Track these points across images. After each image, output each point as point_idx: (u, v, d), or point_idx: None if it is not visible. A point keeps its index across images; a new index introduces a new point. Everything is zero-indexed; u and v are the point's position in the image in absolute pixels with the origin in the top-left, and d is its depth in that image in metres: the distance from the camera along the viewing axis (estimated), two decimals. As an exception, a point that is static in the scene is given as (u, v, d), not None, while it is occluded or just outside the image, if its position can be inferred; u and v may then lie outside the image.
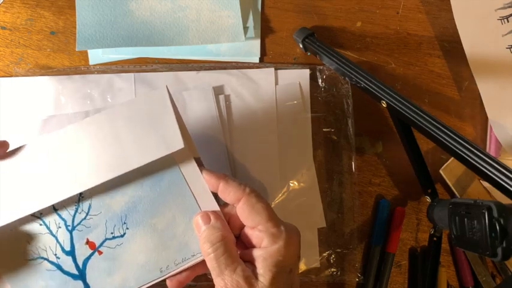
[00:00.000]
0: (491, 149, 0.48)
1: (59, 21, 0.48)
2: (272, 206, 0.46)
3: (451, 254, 0.48)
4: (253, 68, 0.48)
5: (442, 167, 0.47)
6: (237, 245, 0.35)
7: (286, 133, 0.47)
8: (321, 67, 0.49)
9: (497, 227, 0.31)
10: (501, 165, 0.33)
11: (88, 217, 0.35)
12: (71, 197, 0.33)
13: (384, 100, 0.40)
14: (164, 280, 0.35)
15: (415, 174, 0.43)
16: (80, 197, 0.34)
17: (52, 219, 0.34)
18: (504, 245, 0.30)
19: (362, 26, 0.50)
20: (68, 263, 0.34)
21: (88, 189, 0.33)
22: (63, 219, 0.35)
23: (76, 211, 0.35)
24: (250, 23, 0.48)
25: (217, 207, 0.35)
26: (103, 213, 0.35)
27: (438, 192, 0.44)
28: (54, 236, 0.34)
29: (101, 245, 0.35)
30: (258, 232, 0.33)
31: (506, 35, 0.48)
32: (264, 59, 0.49)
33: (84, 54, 0.48)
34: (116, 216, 0.35)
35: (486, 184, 0.47)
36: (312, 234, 0.47)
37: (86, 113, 0.45)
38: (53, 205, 0.34)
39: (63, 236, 0.34)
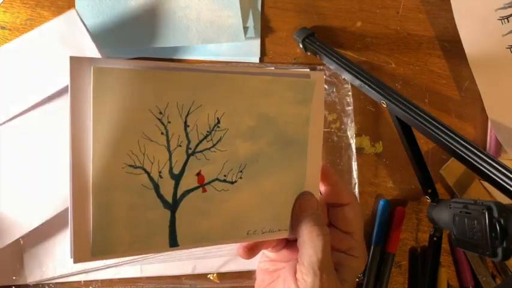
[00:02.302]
0: (491, 149, 0.48)
1: (59, 21, 0.48)
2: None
3: (451, 254, 0.48)
4: (253, 68, 0.48)
5: (442, 167, 0.47)
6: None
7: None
8: (321, 67, 0.48)
9: (498, 227, 0.30)
10: (501, 165, 0.33)
11: (213, 149, 0.31)
12: (208, 120, 0.30)
13: (384, 100, 0.40)
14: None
15: (415, 174, 0.43)
16: (216, 125, 0.31)
17: (176, 134, 0.30)
18: (504, 245, 0.30)
19: (362, 26, 0.50)
20: (167, 187, 0.30)
21: (228, 118, 0.31)
22: (188, 139, 0.30)
23: (205, 137, 0.31)
24: (250, 22, 0.48)
25: (318, 197, 0.34)
26: (228, 152, 0.31)
27: (438, 192, 0.43)
28: (169, 151, 0.30)
29: (209, 183, 0.31)
30: (349, 238, 0.34)
31: (506, 35, 0.48)
32: (264, 59, 0.49)
33: (84, 54, 0.48)
34: (237, 161, 0.32)
35: (486, 184, 0.47)
36: (312, 234, 0.46)
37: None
38: (185, 120, 0.30)
39: (179, 156, 0.30)
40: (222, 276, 0.45)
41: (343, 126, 0.48)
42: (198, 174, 0.31)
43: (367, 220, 0.48)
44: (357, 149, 0.48)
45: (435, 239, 0.43)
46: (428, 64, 0.51)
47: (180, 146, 0.30)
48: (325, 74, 0.48)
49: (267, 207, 0.33)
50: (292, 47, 0.49)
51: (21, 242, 0.43)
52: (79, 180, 0.27)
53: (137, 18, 0.47)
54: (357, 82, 0.43)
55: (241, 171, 0.32)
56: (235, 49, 0.48)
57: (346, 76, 0.45)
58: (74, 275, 0.43)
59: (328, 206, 0.36)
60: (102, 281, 0.44)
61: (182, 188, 0.30)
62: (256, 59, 0.49)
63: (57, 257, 0.44)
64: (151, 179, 0.29)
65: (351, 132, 0.48)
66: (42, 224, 0.40)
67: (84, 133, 0.27)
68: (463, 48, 0.48)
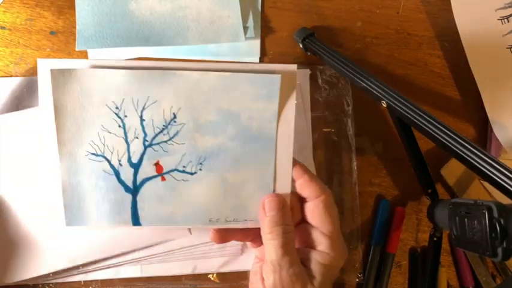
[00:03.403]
0: (491, 149, 0.48)
1: (59, 21, 0.48)
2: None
3: (451, 254, 0.48)
4: (253, 68, 0.48)
5: (442, 167, 0.47)
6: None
7: (286, 133, 0.47)
8: (321, 67, 0.48)
9: (498, 227, 0.30)
10: (501, 165, 0.33)
11: (170, 142, 0.34)
12: (164, 115, 0.33)
13: (384, 100, 0.40)
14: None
15: (415, 174, 0.43)
16: (173, 120, 0.34)
17: (133, 127, 0.33)
18: (504, 245, 0.30)
19: (362, 26, 0.50)
20: (127, 174, 0.34)
21: (184, 113, 0.33)
22: (144, 132, 0.33)
23: (161, 131, 0.34)
24: (250, 23, 0.48)
25: (289, 192, 0.35)
26: (186, 145, 0.34)
27: (438, 192, 0.43)
28: (127, 143, 0.33)
29: (168, 172, 0.34)
30: (318, 233, 0.34)
31: (506, 35, 0.48)
32: (264, 59, 0.49)
33: (84, 54, 0.48)
34: (196, 153, 0.34)
35: (486, 184, 0.47)
36: (312, 234, 0.47)
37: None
38: (140, 115, 0.33)
39: (136, 147, 0.34)
40: (222, 276, 0.45)
41: (343, 126, 0.48)
42: (156, 164, 0.34)
43: (367, 220, 0.48)
44: (357, 149, 0.48)
45: (435, 239, 0.43)
46: (428, 64, 0.51)
47: (137, 138, 0.33)
48: (325, 74, 0.48)
49: (230, 199, 0.35)
50: (292, 47, 0.49)
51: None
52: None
53: (137, 18, 0.47)
54: (357, 82, 0.43)
55: (201, 164, 0.34)
56: (235, 49, 0.48)
57: (346, 76, 0.45)
58: (73, 275, 0.43)
59: (301, 200, 0.36)
60: (102, 281, 0.44)
61: (141, 175, 0.34)
62: (256, 59, 0.49)
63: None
64: (112, 166, 0.33)
65: (350, 132, 0.48)
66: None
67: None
68: (463, 49, 0.48)
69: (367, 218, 0.49)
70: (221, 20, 0.48)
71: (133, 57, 0.48)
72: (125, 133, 0.33)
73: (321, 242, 0.33)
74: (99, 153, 0.33)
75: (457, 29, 0.48)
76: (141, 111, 0.33)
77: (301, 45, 0.48)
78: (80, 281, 0.44)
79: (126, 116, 0.33)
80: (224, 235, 0.36)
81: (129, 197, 0.34)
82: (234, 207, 0.35)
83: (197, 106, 0.33)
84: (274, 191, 0.35)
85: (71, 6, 0.48)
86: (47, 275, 0.43)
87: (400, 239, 0.48)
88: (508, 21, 0.48)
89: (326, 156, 0.48)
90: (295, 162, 0.35)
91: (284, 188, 0.35)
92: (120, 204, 0.34)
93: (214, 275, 0.45)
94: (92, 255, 0.43)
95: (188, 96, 0.33)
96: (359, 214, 0.48)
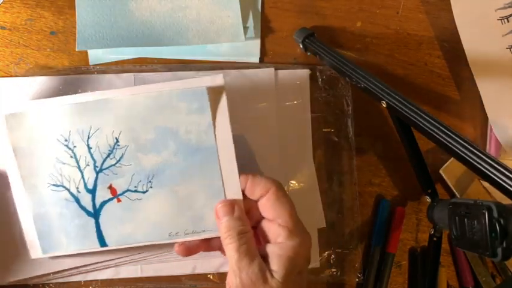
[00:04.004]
0: (491, 149, 0.48)
1: (59, 21, 0.48)
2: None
3: (451, 254, 0.48)
4: (253, 68, 0.48)
5: (442, 167, 0.47)
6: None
7: (286, 133, 0.47)
8: (321, 67, 0.48)
9: (497, 227, 0.30)
10: (501, 165, 0.33)
11: (118, 165, 0.36)
12: (107, 140, 0.35)
13: (384, 100, 0.40)
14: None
15: (415, 174, 0.43)
16: (116, 144, 0.36)
17: (83, 156, 0.36)
18: (504, 245, 0.30)
19: (362, 26, 0.50)
20: (86, 200, 0.36)
21: (126, 136, 0.35)
22: (93, 159, 0.36)
23: (108, 156, 0.36)
24: (250, 23, 0.48)
25: (240, 197, 0.36)
26: (133, 166, 0.36)
27: (438, 192, 0.44)
28: (80, 171, 0.36)
29: (122, 194, 0.36)
30: (276, 226, 0.34)
31: (506, 35, 0.48)
32: (264, 59, 0.49)
33: (84, 54, 0.48)
34: (144, 172, 0.36)
35: (486, 184, 0.47)
36: (312, 234, 0.46)
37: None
38: (87, 143, 0.36)
39: (89, 174, 0.36)
40: (222, 276, 0.45)
41: (343, 126, 0.48)
42: (110, 187, 0.36)
43: (367, 220, 0.48)
44: (356, 149, 0.48)
45: (435, 239, 0.43)
46: (428, 64, 0.51)
47: (88, 165, 0.36)
48: (325, 74, 0.48)
49: (185, 211, 0.36)
50: (292, 47, 0.49)
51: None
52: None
53: (137, 18, 0.47)
54: (357, 82, 0.43)
55: (150, 181, 0.36)
56: (235, 49, 0.48)
57: (346, 76, 0.45)
58: (74, 275, 0.43)
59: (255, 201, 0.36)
60: (102, 281, 0.44)
61: (99, 199, 0.36)
62: (256, 59, 0.49)
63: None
64: (71, 194, 0.36)
65: (350, 132, 0.48)
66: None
67: None
68: (463, 48, 0.48)
69: (367, 218, 0.49)
70: (221, 20, 0.48)
71: (133, 57, 0.48)
72: (77, 162, 0.36)
73: (279, 234, 0.34)
74: (58, 183, 0.36)
75: (456, 29, 0.48)
76: (87, 140, 0.36)
77: (301, 45, 0.48)
78: (80, 281, 0.44)
79: (75, 147, 0.36)
80: (188, 247, 0.37)
81: (92, 220, 0.36)
82: (191, 219, 0.36)
83: (135, 128, 0.36)
84: (225, 197, 0.36)
85: (71, 6, 0.48)
86: (47, 275, 0.43)
87: (400, 239, 0.48)
88: (508, 21, 0.48)
89: (326, 156, 0.48)
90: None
91: (235, 193, 0.36)
92: (86, 229, 0.36)
93: (214, 274, 0.45)
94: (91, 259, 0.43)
95: (126, 120, 0.35)
96: (359, 214, 0.48)
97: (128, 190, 0.36)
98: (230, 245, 0.33)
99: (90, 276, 0.44)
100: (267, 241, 0.35)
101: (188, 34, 0.47)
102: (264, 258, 0.34)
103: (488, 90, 0.48)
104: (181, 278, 0.45)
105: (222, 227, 0.35)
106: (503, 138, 0.47)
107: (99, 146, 0.36)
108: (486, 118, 0.48)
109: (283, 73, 0.48)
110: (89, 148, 0.36)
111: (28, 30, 0.48)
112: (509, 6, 0.48)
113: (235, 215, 0.35)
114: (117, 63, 0.48)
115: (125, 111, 0.35)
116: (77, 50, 0.47)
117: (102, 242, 0.37)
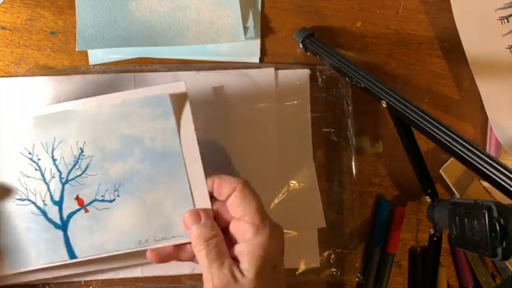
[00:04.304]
0: (491, 149, 0.48)
1: (59, 21, 0.48)
2: (272, 206, 0.46)
3: (451, 254, 0.48)
4: (253, 68, 0.48)
5: (442, 167, 0.47)
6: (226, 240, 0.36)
7: (286, 133, 0.47)
8: (321, 67, 0.48)
9: (497, 227, 0.30)
10: (501, 165, 0.33)
11: (84, 175, 0.36)
12: (72, 151, 0.35)
13: (384, 100, 0.40)
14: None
15: (415, 174, 0.43)
16: (81, 154, 0.36)
17: (48, 168, 0.36)
18: (504, 245, 0.30)
19: (362, 26, 0.50)
20: (53, 212, 0.36)
21: (91, 146, 0.35)
22: (59, 170, 0.36)
23: (73, 166, 0.36)
24: (250, 23, 0.48)
25: (209, 204, 0.36)
26: (99, 176, 0.36)
27: (438, 192, 0.43)
28: (46, 183, 0.36)
29: (89, 204, 0.36)
30: (243, 223, 0.34)
31: (506, 35, 0.48)
32: (264, 59, 0.49)
33: (84, 54, 0.48)
34: (110, 181, 0.36)
35: (486, 184, 0.47)
36: (312, 234, 0.47)
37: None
38: (52, 155, 0.35)
39: (55, 186, 0.36)
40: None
41: (343, 126, 0.48)
42: (77, 198, 0.36)
43: (367, 220, 0.48)
44: (356, 149, 0.48)
45: (435, 239, 0.43)
46: (428, 64, 0.51)
47: (54, 177, 0.35)
48: (325, 74, 0.48)
49: (154, 218, 0.36)
50: (292, 47, 0.49)
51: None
52: None
53: (137, 18, 0.47)
54: (357, 82, 0.43)
55: (117, 190, 0.36)
56: (235, 49, 0.48)
57: (346, 76, 0.45)
58: (74, 276, 0.43)
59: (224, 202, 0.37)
60: (102, 281, 0.44)
61: (66, 211, 0.36)
62: (256, 59, 0.49)
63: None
64: (38, 207, 0.36)
65: (350, 132, 0.48)
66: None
67: None
68: (463, 48, 0.48)
69: (367, 218, 0.49)
70: (221, 20, 0.48)
71: (133, 57, 0.48)
72: (42, 175, 0.36)
73: (247, 231, 0.34)
74: (24, 197, 0.36)
75: (456, 29, 0.48)
76: (52, 152, 0.35)
77: (301, 45, 0.48)
78: (80, 281, 0.44)
79: (39, 159, 0.35)
80: (160, 254, 0.37)
81: (60, 233, 0.36)
82: (160, 226, 0.36)
83: (100, 137, 0.36)
84: (193, 203, 0.36)
85: (71, 6, 0.48)
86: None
87: (400, 239, 0.48)
88: (508, 21, 0.48)
89: (326, 156, 0.48)
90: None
91: (203, 200, 0.37)
92: (54, 242, 0.36)
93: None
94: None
95: (90, 130, 0.35)
96: (359, 214, 0.48)
97: (95, 200, 0.36)
98: (199, 253, 0.34)
99: (90, 276, 0.44)
100: (237, 241, 0.35)
101: (188, 34, 0.47)
102: (236, 258, 0.34)
103: (488, 90, 0.48)
104: (181, 278, 0.45)
105: (191, 235, 0.35)
106: (503, 138, 0.47)
107: (64, 157, 0.36)
108: (486, 118, 0.48)
109: (283, 73, 0.48)
110: (54, 160, 0.36)
111: (28, 30, 0.48)
112: (509, 6, 0.48)
113: (202, 222, 0.35)
114: (117, 63, 0.48)
115: (88, 121, 0.35)
116: (77, 50, 0.47)
117: (72, 254, 0.36)
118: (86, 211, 0.36)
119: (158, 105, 0.36)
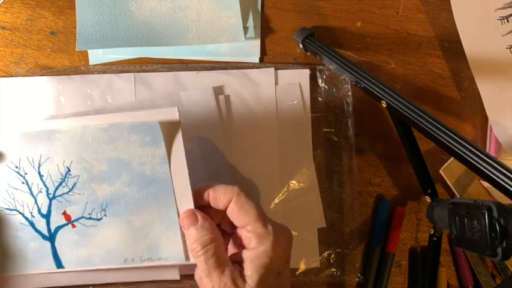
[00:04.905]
0: (491, 149, 0.48)
1: (59, 21, 0.48)
2: (272, 206, 0.46)
3: (451, 254, 0.48)
4: (253, 68, 0.48)
5: (442, 167, 0.47)
6: (231, 245, 0.35)
7: (286, 133, 0.47)
8: (321, 67, 0.49)
9: (497, 227, 0.30)
10: (501, 165, 0.33)
11: (70, 193, 0.36)
12: (59, 169, 0.35)
13: (383, 100, 0.40)
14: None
15: (415, 174, 0.43)
16: (68, 173, 0.35)
17: (35, 183, 0.36)
18: (504, 245, 0.30)
19: (362, 26, 0.50)
20: (40, 224, 0.36)
21: (77, 166, 0.35)
22: (46, 186, 0.36)
23: (60, 184, 0.36)
24: (250, 23, 0.48)
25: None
26: (86, 195, 0.36)
27: (438, 192, 0.43)
28: (33, 197, 0.36)
29: (76, 220, 0.36)
30: (246, 232, 0.34)
31: (506, 35, 0.48)
32: (264, 59, 0.49)
33: (84, 54, 0.48)
34: (97, 201, 0.36)
35: (486, 184, 0.47)
36: (312, 234, 0.47)
37: (86, 114, 0.45)
38: (38, 170, 0.35)
39: (43, 200, 0.36)
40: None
41: (343, 126, 0.48)
42: (64, 213, 0.36)
43: (367, 220, 0.48)
44: (356, 149, 0.48)
45: (435, 239, 0.43)
46: (428, 64, 0.51)
47: (41, 192, 0.36)
48: (325, 74, 0.48)
49: (141, 240, 0.36)
50: (292, 47, 0.49)
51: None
52: None
53: (137, 18, 0.47)
54: (357, 82, 0.43)
55: (104, 210, 0.36)
56: (235, 49, 0.48)
57: (346, 76, 0.45)
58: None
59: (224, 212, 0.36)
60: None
61: (53, 224, 0.36)
62: (256, 59, 0.49)
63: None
64: (25, 218, 0.36)
65: (350, 132, 0.48)
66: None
67: None
68: (463, 48, 0.48)
69: (367, 217, 0.49)
70: (221, 20, 0.48)
71: (133, 57, 0.48)
72: (29, 188, 0.36)
73: (251, 240, 0.34)
74: (11, 207, 0.36)
75: (457, 29, 0.48)
76: (38, 168, 0.35)
77: (301, 45, 0.48)
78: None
79: (26, 173, 0.36)
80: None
81: (47, 244, 0.36)
82: (146, 247, 0.36)
83: (87, 158, 0.35)
84: (181, 229, 0.36)
85: (71, 6, 0.48)
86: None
87: (400, 239, 0.48)
88: (508, 21, 0.48)
89: (326, 156, 0.48)
90: (196, 190, 0.36)
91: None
92: (42, 251, 0.36)
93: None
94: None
95: (77, 150, 0.35)
96: (359, 214, 0.48)
97: (82, 217, 0.36)
98: (198, 258, 0.33)
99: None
100: (243, 247, 0.35)
101: (188, 34, 0.47)
102: (240, 264, 0.34)
103: (488, 90, 0.48)
104: (181, 277, 0.45)
105: (188, 237, 0.34)
106: (503, 138, 0.47)
107: (51, 174, 0.36)
108: (486, 118, 0.48)
109: (283, 73, 0.48)
110: (41, 176, 0.36)
111: (28, 30, 0.48)
112: (509, 6, 0.48)
113: (199, 224, 0.34)
114: (117, 63, 0.48)
115: (73, 142, 0.35)
116: (77, 50, 0.47)
117: (59, 263, 0.36)
118: (73, 226, 0.36)
119: (147, 133, 0.35)
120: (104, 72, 0.47)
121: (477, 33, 0.48)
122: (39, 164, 0.35)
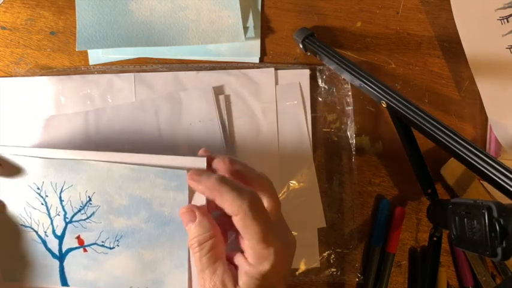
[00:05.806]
0: (491, 149, 0.48)
1: (59, 21, 0.48)
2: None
3: (451, 254, 0.48)
4: (253, 68, 0.48)
5: (442, 167, 0.47)
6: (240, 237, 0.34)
7: (286, 133, 0.47)
8: (321, 67, 0.49)
9: (497, 227, 0.31)
10: (501, 165, 0.33)
11: (88, 220, 0.37)
12: (80, 197, 0.36)
13: (383, 100, 0.40)
14: None
15: (415, 174, 0.43)
16: (89, 202, 0.37)
17: (54, 205, 0.37)
18: (504, 245, 0.30)
19: (362, 26, 0.50)
20: (53, 244, 0.37)
21: (99, 197, 0.36)
22: (64, 210, 0.37)
23: (79, 211, 0.37)
24: (250, 23, 0.48)
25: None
26: (102, 224, 0.37)
27: (438, 192, 0.44)
28: (50, 218, 0.37)
29: (89, 245, 0.37)
30: (247, 247, 0.33)
31: (506, 35, 0.48)
32: (264, 59, 0.49)
33: (84, 54, 0.48)
34: (113, 231, 0.37)
35: (486, 184, 0.47)
36: (312, 234, 0.47)
37: (86, 113, 0.45)
38: (59, 195, 0.36)
39: (59, 222, 0.37)
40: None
41: (343, 126, 0.48)
42: (78, 237, 0.37)
43: (367, 220, 0.48)
44: (356, 149, 0.48)
45: (435, 238, 0.43)
46: (428, 64, 0.51)
47: (59, 215, 0.37)
48: (325, 74, 0.48)
49: (148, 272, 0.37)
50: (292, 47, 0.49)
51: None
52: None
53: (137, 18, 0.47)
54: (357, 82, 0.43)
55: (117, 240, 0.37)
56: (235, 49, 0.48)
57: (346, 76, 0.45)
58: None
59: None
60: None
61: (65, 246, 0.37)
62: (256, 59, 0.49)
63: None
64: (39, 236, 0.37)
65: (350, 132, 0.48)
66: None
67: None
68: (463, 48, 0.48)
69: (367, 217, 0.49)
70: (221, 20, 0.48)
71: (133, 57, 0.48)
72: (48, 210, 0.37)
73: (250, 256, 0.33)
74: (27, 224, 0.37)
75: (457, 29, 0.48)
76: (60, 193, 0.37)
77: (301, 45, 0.48)
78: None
79: (47, 196, 0.37)
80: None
81: (56, 262, 0.37)
82: (153, 279, 0.37)
83: (110, 191, 0.36)
84: (189, 271, 0.37)
85: (71, 6, 0.48)
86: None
87: (400, 239, 0.48)
88: (508, 21, 0.48)
89: (326, 156, 0.48)
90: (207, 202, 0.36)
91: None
92: (49, 268, 0.37)
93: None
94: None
95: (101, 183, 0.36)
96: (359, 214, 0.48)
97: (95, 243, 0.37)
98: (194, 254, 0.33)
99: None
100: (244, 253, 0.34)
101: (188, 34, 0.47)
102: (237, 267, 0.33)
103: (488, 90, 0.48)
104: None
105: (188, 233, 0.34)
106: (503, 138, 0.47)
107: (71, 200, 0.36)
108: (486, 118, 0.48)
109: (283, 73, 0.48)
110: (61, 200, 0.37)
111: (28, 30, 0.48)
112: (509, 6, 0.48)
113: (197, 221, 0.34)
114: (117, 63, 0.48)
115: (99, 175, 0.36)
116: (77, 50, 0.47)
117: (64, 282, 0.38)
118: (85, 250, 0.37)
119: (173, 179, 0.36)
120: (104, 72, 0.47)
121: (477, 33, 0.48)
122: (61, 189, 0.36)
